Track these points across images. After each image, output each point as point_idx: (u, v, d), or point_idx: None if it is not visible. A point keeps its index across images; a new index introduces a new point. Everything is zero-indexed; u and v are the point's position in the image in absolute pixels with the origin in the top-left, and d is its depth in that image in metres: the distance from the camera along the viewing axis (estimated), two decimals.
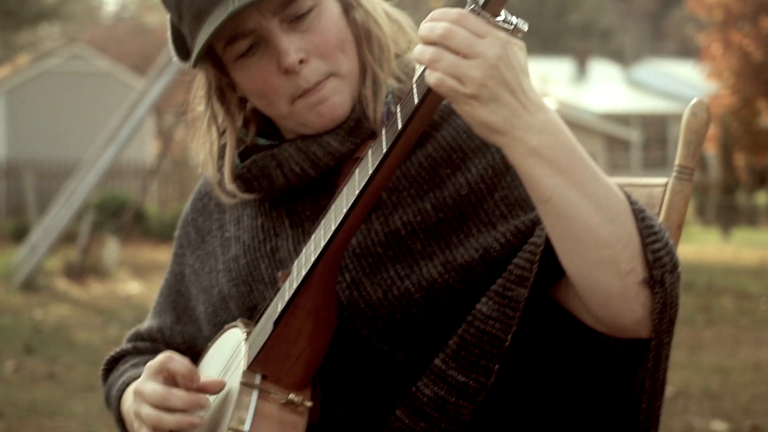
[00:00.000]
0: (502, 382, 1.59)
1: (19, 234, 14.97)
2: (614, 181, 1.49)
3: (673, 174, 1.73)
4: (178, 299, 1.94)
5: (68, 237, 12.23)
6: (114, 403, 1.87)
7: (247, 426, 1.55)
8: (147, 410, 1.62)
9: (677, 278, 1.47)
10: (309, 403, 1.59)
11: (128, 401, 1.78)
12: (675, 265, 1.47)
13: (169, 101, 19.24)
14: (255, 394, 1.57)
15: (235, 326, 1.73)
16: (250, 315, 1.75)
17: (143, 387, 1.64)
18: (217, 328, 1.81)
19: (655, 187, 1.74)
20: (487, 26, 1.37)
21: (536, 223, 1.58)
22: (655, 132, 35.04)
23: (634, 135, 33.44)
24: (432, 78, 1.36)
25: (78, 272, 11.61)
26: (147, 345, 1.96)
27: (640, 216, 1.45)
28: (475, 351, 1.55)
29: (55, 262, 11.93)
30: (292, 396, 1.58)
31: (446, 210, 1.63)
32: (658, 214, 1.71)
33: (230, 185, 1.74)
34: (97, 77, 22.76)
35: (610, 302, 1.47)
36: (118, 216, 14.37)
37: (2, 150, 20.34)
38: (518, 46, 1.39)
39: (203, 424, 1.67)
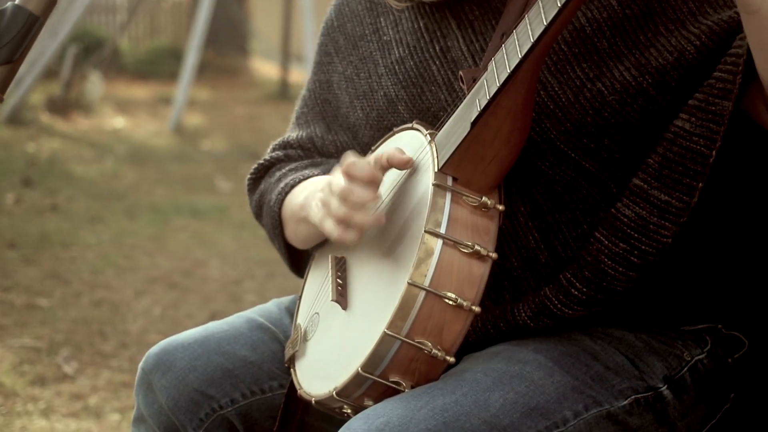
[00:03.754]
0: (702, 202, 1.56)
1: None
2: None
3: None
4: (326, 108, 1.88)
5: (47, 73, 12.00)
6: (275, 205, 1.83)
7: (443, 228, 1.51)
8: (335, 204, 1.59)
9: None
10: (501, 207, 1.55)
11: (301, 196, 1.76)
12: None
13: None
14: (449, 197, 1.53)
15: (412, 128, 1.68)
16: (422, 117, 1.70)
17: (333, 179, 1.61)
18: (383, 132, 1.75)
19: None
20: None
21: (731, 25, 1.53)
22: None
23: None
24: None
25: (61, 107, 11.42)
26: (299, 153, 1.91)
27: None
28: (678, 169, 1.52)
29: (36, 96, 11.73)
30: (485, 199, 1.54)
31: (632, 6, 1.58)
32: None
33: None
34: None
35: None
36: (96, 51, 14.11)
37: None
38: None
39: (394, 224, 1.63)
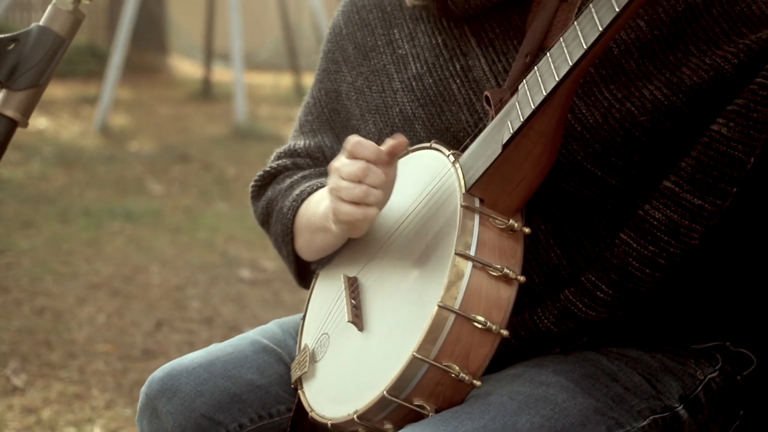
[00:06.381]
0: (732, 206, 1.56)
1: None
2: None
3: None
4: (333, 118, 1.86)
5: None
6: (288, 212, 1.80)
7: (472, 251, 1.50)
8: (347, 185, 1.59)
9: None
10: (527, 230, 1.55)
11: (321, 206, 1.73)
12: None
13: None
14: (477, 219, 1.52)
15: (432, 148, 1.66)
16: (440, 137, 1.69)
17: (338, 165, 1.63)
18: None
19: None
20: None
21: None
22: None
23: None
24: None
25: None
26: (308, 162, 1.88)
27: None
28: (713, 173, 1.52)
29: None
30: (512, 221, 1.53)
31: (661, 27, 1.57)
32: None
33: None
34: None
35: None
36: None
37: None
38: None
39: (416, 245, 1.61)
